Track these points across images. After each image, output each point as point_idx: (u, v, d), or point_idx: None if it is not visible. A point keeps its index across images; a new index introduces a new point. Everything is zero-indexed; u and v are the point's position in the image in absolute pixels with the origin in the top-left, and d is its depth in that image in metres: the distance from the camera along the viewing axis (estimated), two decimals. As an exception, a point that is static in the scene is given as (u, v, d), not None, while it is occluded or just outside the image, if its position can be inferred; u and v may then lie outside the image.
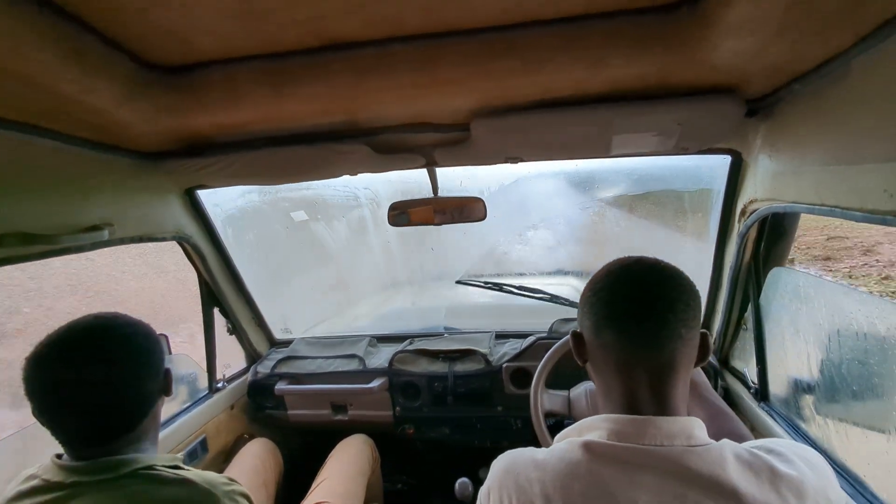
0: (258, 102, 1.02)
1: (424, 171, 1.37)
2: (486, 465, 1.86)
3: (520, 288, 1.91)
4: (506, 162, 1.29)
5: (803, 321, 1.17)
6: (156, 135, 1.16)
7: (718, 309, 1.55)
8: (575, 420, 1.25)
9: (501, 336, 1.87)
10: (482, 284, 1.99)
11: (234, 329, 1.88)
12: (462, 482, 1.33)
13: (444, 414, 1.74)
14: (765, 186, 1.11)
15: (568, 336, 1.27)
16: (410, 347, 1.82)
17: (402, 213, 1.38)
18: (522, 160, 1.26)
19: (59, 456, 0.79)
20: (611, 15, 0.84)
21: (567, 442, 0.63)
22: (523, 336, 1.79)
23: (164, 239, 1.47)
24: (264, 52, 0.94)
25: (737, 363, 1.54)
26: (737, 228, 1.32)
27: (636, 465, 0.57)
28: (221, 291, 1.75)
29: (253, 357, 1.99)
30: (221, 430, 1.77)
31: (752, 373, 1.40)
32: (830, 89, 0.84)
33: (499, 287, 1.95)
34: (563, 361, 1.33)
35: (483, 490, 0.69)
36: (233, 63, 0.96)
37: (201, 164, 1.28)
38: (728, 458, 0.57)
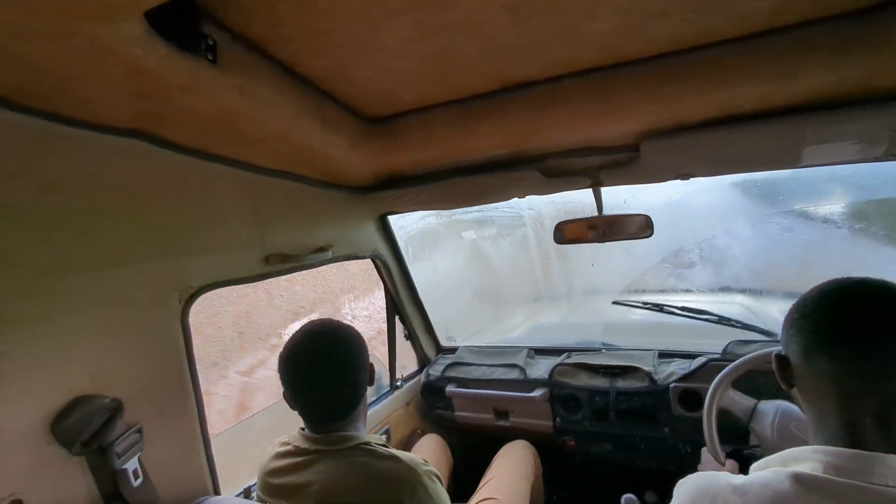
0: (447, 141, 1.19)
1: (588, 190, 1.44)
2: (651, 487, 1.82)
3: (682, 308, 1.84)
4: (676, 179, 1.29)
5: None
6: (366, 173, 1.44)
7: None
8: (760, 440, 1.17)
9: (665, 355, 1.81)
10: (640, 305, 1.95)
11: (410, 335, 2.16)
12: (628, 498, 1.32)
13: (605, 429, 1.74)
14: None
15: (760, 352, 1.21)
16: (569, 361, 1.86)
17: (567, 232, 1.47)
18: (694, 176, 1.26)
19: (302, 429, 1.01)
20: (800, 26, 0.83)
21: (771, 471, 0.59)
22: (690, 357, 1.71)
23: (364, 257, 1.79)
24: (454, 98, 1.11)
25: None
26: None
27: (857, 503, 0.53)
28: (402, 302, 2.04)
29: (423, 361, 2.24)
30: (400, 424, 2.03)
31: None
32: None
33: (659, 308, 1.89)
34: (746, 377, 1.24)
35: None
36: (427, 109, 1.15)
37: (396, 195, 1.55)
38: None
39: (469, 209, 2.02)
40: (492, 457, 1.74)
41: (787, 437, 1.08)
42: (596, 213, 1.45)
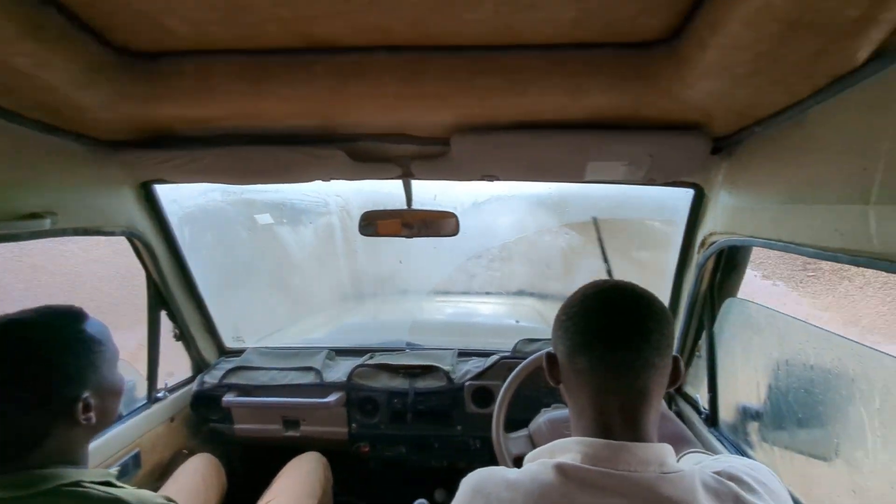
0: (232, 97, 0.99)
1: (398, 182, 1.36)
2: (443, 486, 1.84)
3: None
4: (482, 179, 1.30)
5: (754, 351, 1.23)
6: (114, 122, 1.09)
7: (675, 336, 1.61)
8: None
9: (464, 354, 1.86)
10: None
11: (182, 335, 1.77)
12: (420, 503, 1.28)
13: (401, 432, 1.69)
14: (724, 220, 1.17)
15: (535, 355, 1.29)
16: (371, 361, 1.77)
17: (374, 224, 1.36)
18: (499, 179, 1.28)
19: None
20: (592, 46, 0.88)
21: (539, 463, 0.62)
22: (486, 354, 1.79)
23: (112, 233, 1.37)
24: (244, 46, 0.91)
25: (689, 389, 1.59)
26: (695, 259, 1.38)
27: (610, 491, 0.57)
28: (171, 293, 1.65)
29: (200, 366, 1.87)
30: (158, 445, 1.63)
31: (703, 399, 1.46)
32: (788, 134, 0.91)
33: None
34: (525, 382, 1.33)
35: None
36: (207, 54, 0.92)
37: (163, 158, 1.22)
38: (698, 487, 0.58)
39: (265, 188, 1.75)
40: (277, 474, 1.52)
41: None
42: (405, 207, 1.37)
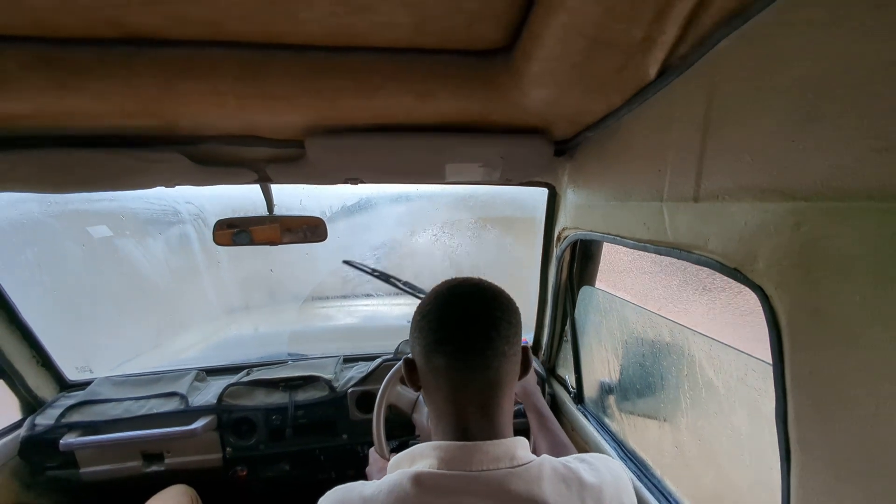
0: (30, 93, 0.84)
1: (258, 187, 1.27)
2: (330, 499, 1.77)
3: (406, 284, 1.81)
4: (346, 183, 1.26)
5: (604, 332, 1.37)
6: None
7: (545, 323, 1.73)
8: (419, 430, 1.26)
9: (350, 360, 1.81)
10: (370, 271, 1.85)
11: (3, 372, 1.49)
12: None
13: (282, 449, 1.60)
14: (572, 216, 1.28)
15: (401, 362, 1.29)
16: (245, 379, 1.64)
17: (231, 232, 1.25)
18: (363, 182, 1.25)
19: None
20: (436, 52, 0.89)
21: (398, 474, 0.62)
22: (371, 359, 1.76)
23: None
24: (39, 34, 0.78)
25: (561, 371, 1.73)
26: (555, 252, 1.49)
27: (463, 493, 0.59)
28: None
29: (33, 406, 1.59)
30: None
31: (572, 379, 1.59)
32: (610, 139, 1.01)
33: (385, 278, 1.82)
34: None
35: None
36: None
37: None
38: (545, 475, 0.62)
39: (95, 196, 1.52)
40: None
41: None
42: (266, 213, 1.29)
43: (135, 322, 1.98)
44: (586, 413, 1.50)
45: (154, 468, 1.55)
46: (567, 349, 1.66)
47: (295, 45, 0.86)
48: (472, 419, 0.65)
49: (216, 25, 0.79)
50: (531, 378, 1.19)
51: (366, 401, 1.61)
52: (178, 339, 2.00)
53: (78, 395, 1.59)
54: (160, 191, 1.21)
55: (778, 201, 0.57)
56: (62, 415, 1.49)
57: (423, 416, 1.27)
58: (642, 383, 1.18)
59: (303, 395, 1.61)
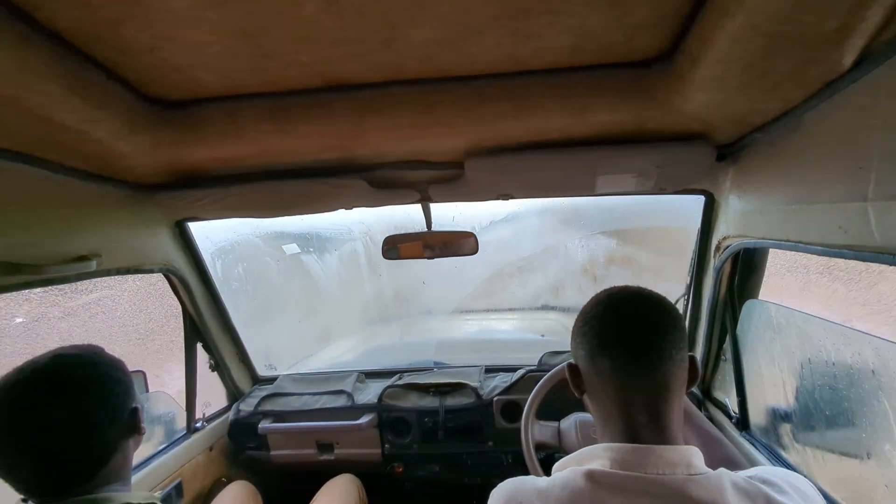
0: (258, 138, 1.05)
1: (418, 206, 1.42)
2: (477, 502, 1.84)
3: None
4: (498, 198, 1.35)
5: (777, 351, 1.24)
6: (151, 167, 1.17)
7: (698, 341, 1.62)
8: (565, 452, 1.27)
9: (491, 370, 1.88)
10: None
11: (217, 365, 1.84)
12: None
13: (434, 450, 1.72)
14: (736, 224, 1.20)
15: (559, 367, 1.32)
16: (400, 382, 1.81)
17: (396, 247, 1.42)
18: (513, 197, 1.33)
19: (24, 500, 0.74)
20: (593, 68, 0.93)
21: (569, 471, 0.63)
22: (513, 370, 1.81)
23: (151, 271, 1.46)
24: (268, 90, 0.98)
25: (718, 394, 1.59)
26: (712, 263, 1.40)
27: (639, 494, 0.58)
28: (206, 326, 1.72)
29: (235, 395, 1.93)
30: (198, 474, 1.69)
31: (733, 402, 1.46)
32: (787, 139, 0.94)
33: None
34: (552, 394, 1.35)
35: None
36: (235, 99, 1.00)
37: (196, 197, 1.30)
38: (727, 486, 0.59)
39: (291, 220, 1.83)
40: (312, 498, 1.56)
41: (591, 444, 1.19)
42: (425, 230, 1.43)
43: (308, 327, 2.30)
44: (753, 440, 1.36)
45: (326, 457, 1.77)
46: (726, 370, 1.53)
47: (462, 77, 0.97)
48: (641, 423, 0.64)
49: (400, 67, 0.93)
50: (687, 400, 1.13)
51: (511, 409, 1.66)
52: (342, 343, 2.27)
53: (268, 388, 1.90)
54: (340, 212, 1.43)
55: None
56: (259, 403, 1.79)
57: (573, 441, 1.27)
58: (833, 410, 1.05)
59: (451, 401, 1.72)
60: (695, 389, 1.62)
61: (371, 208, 1.43)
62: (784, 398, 1.23)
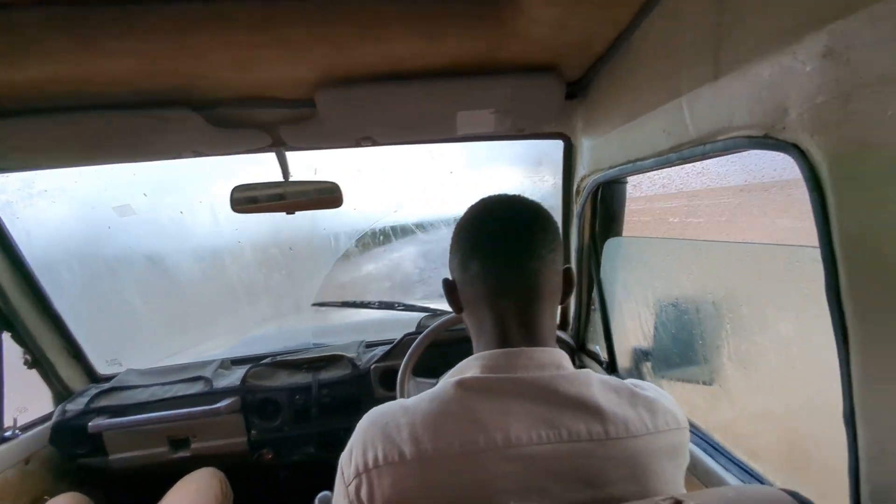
0: (53, 56, 0.87)
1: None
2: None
3: (380, 303, 1.88)
4: (359, 145, 1.27)
5: (632, 284, 1.30)
6: None
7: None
8: None
9: (371, 345, 1.79)
10: (340, 304, 1.92)
11: (35, 361, 1.52)
12: (323, 496, 1.17)
13: (307, 430, 1.56)
14: (589, 161, 1.24)
15: (435, 323, 1.26)
16: (267, 361, 1.63)
17: (249, 197, 1.26)
18: (375, 141, 1.26)
19: None
20: None
21: (441, 383, 0.61)
22: (392, 343, 1.73)
23: None
24: None
25: (591, 344, 1.65)
26: (575, 210, 1.45)
27: (508, 394, 0.57)
28: (15, 312, 1.41)
29: (63, 396, 1.61)
30: (9, 494, 1.36)
31: (603, 350, 1.51)
32: (622, 64, 0.99)
33: (360, 304, 1.89)
34: (432, 351, 1.29)
35: (343, 455, 0.61)
36: (16, 5, 0.81)
37: None
38: (594, 382, 0.59)
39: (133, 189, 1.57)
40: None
41: None
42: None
43: (168, 318, 2.02)
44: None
45: (181, 454, 1.53)
46: (596, 320, 1.59)
47: None
48: (513, 328, 0.63)
49: None
50: None
51: (389, 377, 1.57)
52: (211, 341, 2.04)
53: (105, 385, 1.61)
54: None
55: (806, 34, 0.53)
56: (91, 400, 1.50)
57: None
58: (679, 328, 1.11)
59: (326, 375, 1.58)
60: (570, 341, 1.66)
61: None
62: (642, 333, 1.29)
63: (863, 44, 0.47)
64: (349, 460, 0.58)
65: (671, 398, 0.66)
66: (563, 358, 0.62)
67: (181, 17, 0.86)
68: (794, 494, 0.56)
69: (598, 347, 1.57)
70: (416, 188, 1.96)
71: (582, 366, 1.63)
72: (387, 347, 1.63)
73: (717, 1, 0.67)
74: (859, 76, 0.48)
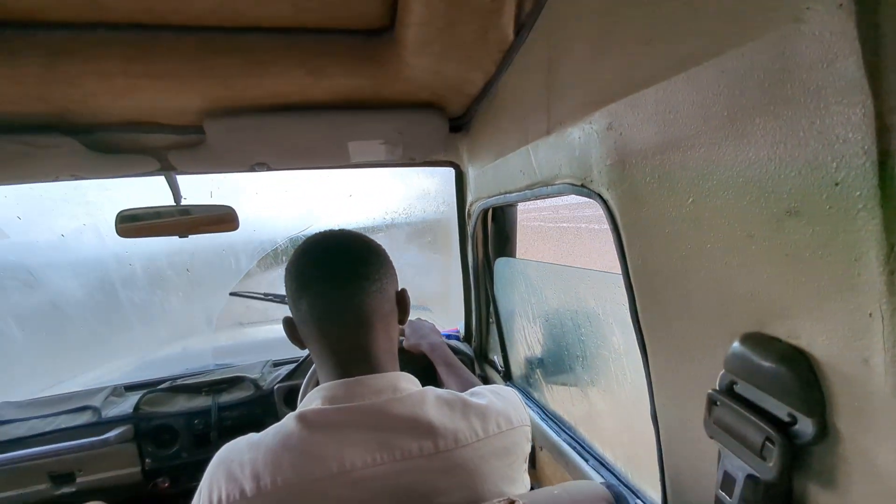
0: None
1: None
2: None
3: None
4: (252, 170, 1.29)
5: (517, 301, 1.42)
6: None
7: (472, 309, 1.78)
8: None
9: (279, 364, 1.78)
10: (261, 296, 1.87)
11: None
12: None
13: (207, 455, 1.51)
14: (474, 188, 1.36)
15: None
16: (164, 386, 1.58)
17: (136, 222, 1.24)
18: (270, 167, 1.28)
19: None
20: (324, 31, 0.95)
21: (286, 418, 0.63)
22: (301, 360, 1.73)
23: None
24: None
25: (491, 354, 1.76)
26: (469, 232, 1.56)
27: (346, 425, 0.60)
28: None
29: None
30: None
31: (500, 359, 1.63)
32: (493, 107, 1.10)
33: (279, 298, 1.86)
34: None
35: (195, 498, 0.62)
36: None
37: None
38: (429, 399, 0.64)
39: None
40: None
41: None
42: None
43: (54, 353, 1.87)
44: (514, 388, 1.53)
45: (65, 489, 1.43)
46: (494, 331, 1.71)
47: (181, 26, 0.89)
48: (348, 358, 0.66)
49: (97, 4, 0.82)
50: (433, 332, 1.23)
51: (294, 397, 1.57)
52: (101, 368, 1.90)
53: None
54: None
55: (596, 109, 0.66)
56: None
57: None
58: (551, 340, 1.24)
59: (227, 397, 1.56)
60: (469, 352, 1.77)
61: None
62: (527, 343, 1.41)
63: (629, 123, 0.60)
64: (198, 502, 0.60)
65: (512, 398, 0.73)
66: (402, 380, 0.66)
67: (49, 45, 0.85)
68: (609, 487, 0.69)
69: (495, 357, 1.69)
70: (319, 207, 1.99)
71: (483, 374, 1.75)
72: (291, 366, 1.64)
73: (547, 69, 0.80)
74: (629, 147, 0.61)
